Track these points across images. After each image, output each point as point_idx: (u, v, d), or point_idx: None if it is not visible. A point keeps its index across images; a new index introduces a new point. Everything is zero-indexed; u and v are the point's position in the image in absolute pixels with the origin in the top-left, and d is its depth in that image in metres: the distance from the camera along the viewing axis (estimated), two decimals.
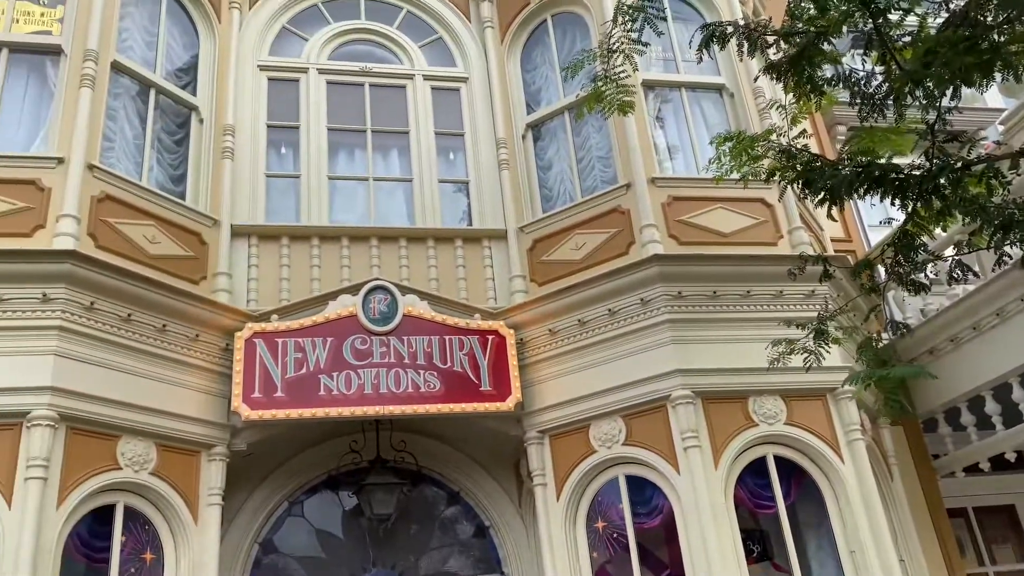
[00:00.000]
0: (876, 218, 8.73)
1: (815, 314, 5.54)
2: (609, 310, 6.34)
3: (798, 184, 4.90)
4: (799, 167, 4.82)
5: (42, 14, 6.46)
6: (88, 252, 5.56)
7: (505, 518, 7.04)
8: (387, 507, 6.51)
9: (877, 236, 9.11)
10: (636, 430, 6.10)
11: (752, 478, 6.07)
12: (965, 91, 4.24)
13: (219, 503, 5.93)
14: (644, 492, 6.12)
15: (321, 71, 7.85)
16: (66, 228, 5.56)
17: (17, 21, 6.39)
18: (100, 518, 5.48)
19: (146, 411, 5.65)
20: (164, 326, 5.89)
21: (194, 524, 5.78)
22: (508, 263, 7.13)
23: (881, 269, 5.51)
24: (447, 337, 6.50)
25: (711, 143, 5.30)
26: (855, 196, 4.56)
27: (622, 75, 4.98)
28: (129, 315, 5.70)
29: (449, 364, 6.42)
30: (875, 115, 4.63)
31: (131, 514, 5.58)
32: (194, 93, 7.12)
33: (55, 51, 6.29)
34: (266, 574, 6.58)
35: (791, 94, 4.80)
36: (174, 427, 5.79)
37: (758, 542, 6.19)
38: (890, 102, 4.48)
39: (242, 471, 6.41)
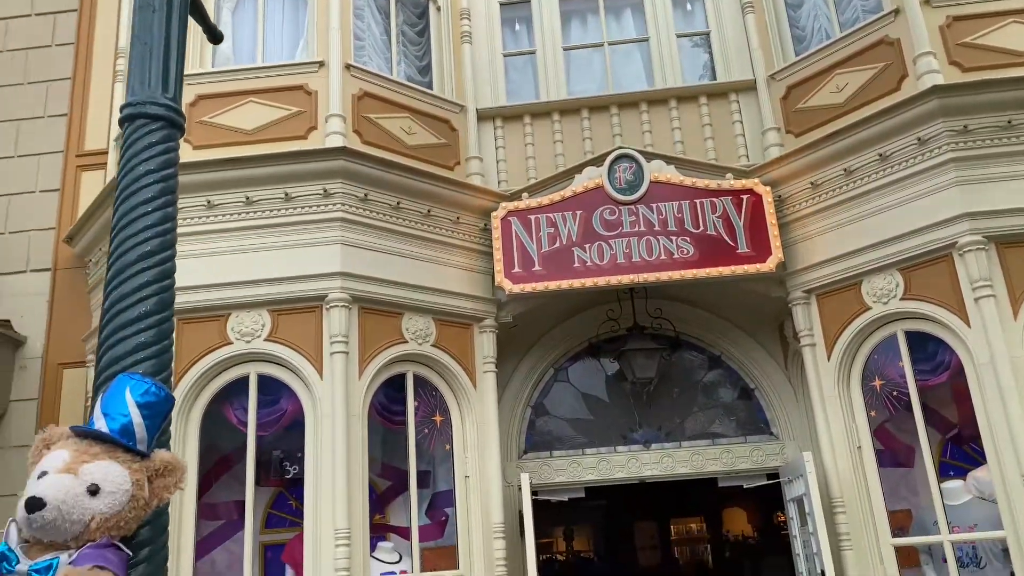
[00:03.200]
0: None
1: None
2: (880, 155, 5.77)
3: None
4: None
5: None
6: (356, 147, 6.00)
7: (771, 380, 6.92)
8: (648, 371, 6.64)
9: None
10: (916, 283, 5.62)
11: None
12: None
13: (493, 370, 6.38)
14: (926, 348, 5.69)
15: None
16: (335, 127, 6.01)
17: None
18: (394, 386, 6.13)
19: (422, 290, 6.12)
20: (429, 211, 6.27)
21: (474, 389, 6.28)
22: (759, 116, 6.69)
23: None
24: (698, 200, 6.31)
25: None
26: None
27: None
28: (398, 203, 6.12)
29: (702, 228, 6.26)
30: None
31: (420, 382, 6.17)
32: None
33: None
34: (540, 434, 7.05)
35: None
36: (447, 303, 6.24)
37: None
38: None
39: (510, 341, 6.81)
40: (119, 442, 1.88)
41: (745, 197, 6.28)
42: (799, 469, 5.98)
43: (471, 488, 6.07)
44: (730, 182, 6.35)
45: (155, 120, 2.07)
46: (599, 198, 6.37)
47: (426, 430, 6.24)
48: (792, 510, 6.33)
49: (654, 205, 6.31)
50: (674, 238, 6.23)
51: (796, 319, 6.22)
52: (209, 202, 5.83)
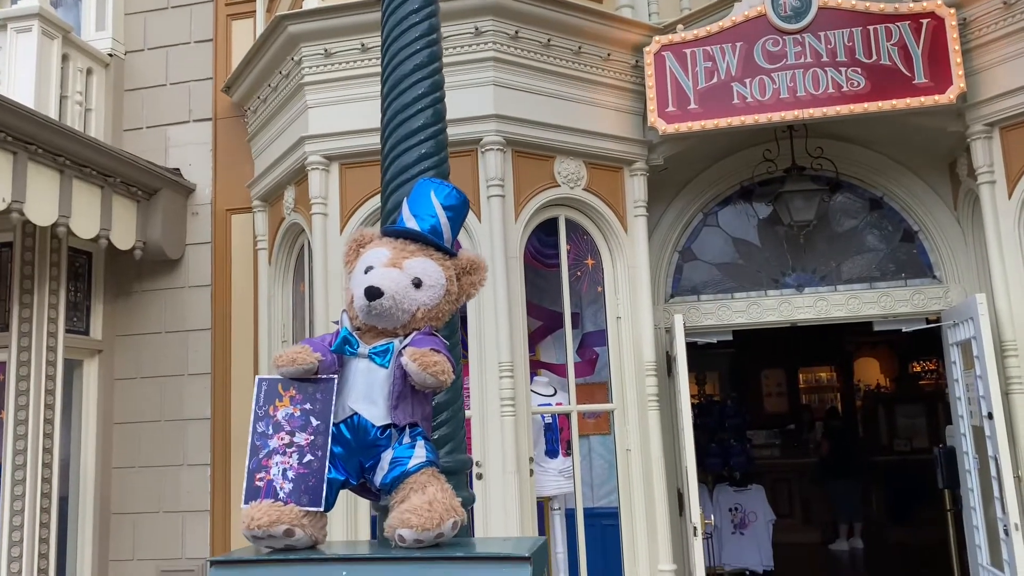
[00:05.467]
0: None
1: None
2: None
3: None
4: None
5: None
6: None
7: (936, 221, 6.57)
8: (807, 214, 6.42)
9: None
10: None
11: None
12: None
13: (644, 214, 6.31)
14: None
15: None
16: None
17: None
18: (547, 230, 6.18)
19: (573, 132, 6.00)
20: (579, 48, 6.05)
21: (624, 233, 6.25)
22: None
23: None
24: (871, 27, 5.82)
25: None
26: None
27: None
28: (548, 40, 5.93)
29: (875, 58, 5.80)
30: None
31: (572, 226, 6.18)
32: None
33: None
34: (687, 279, 7.03)
35: None
36: (598, 145, 6.12)
37: None
38: None
39: (659, 185, 6.67)
40: (431, 240, 1.98)
41: (925, 21, 5.74)
42: (967, 312, 5.75)
43: (623, 329, 6.17)
44: (908, 5, 5.81)
45: None
46: (761, 27, 5.97)
47: (578, 273, 6.33)
48: (955, 353, 6.15)
49: (822, 34, 5.87)
50: (843, 69, 5.82)
51: (974, 155, 5.79)
52: (363, 45, 5.81)
